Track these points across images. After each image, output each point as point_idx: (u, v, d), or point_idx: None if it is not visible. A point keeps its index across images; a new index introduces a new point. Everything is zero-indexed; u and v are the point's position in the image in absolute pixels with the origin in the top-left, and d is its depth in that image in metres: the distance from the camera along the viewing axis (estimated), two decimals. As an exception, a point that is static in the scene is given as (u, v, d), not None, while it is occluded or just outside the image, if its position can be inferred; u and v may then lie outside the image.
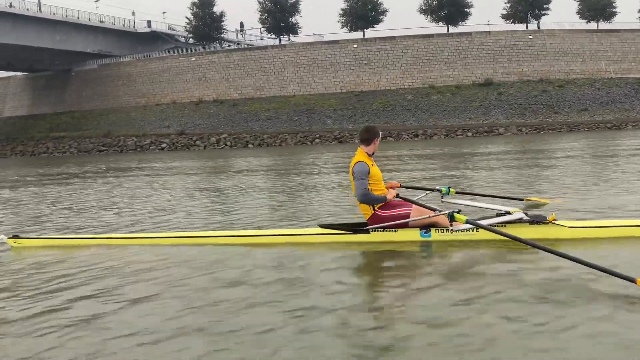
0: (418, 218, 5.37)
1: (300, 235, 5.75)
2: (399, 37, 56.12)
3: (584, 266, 3.90)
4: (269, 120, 52.75)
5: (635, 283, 3.68)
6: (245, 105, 55.49)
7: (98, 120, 59.86)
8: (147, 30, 70.66)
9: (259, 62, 58.36)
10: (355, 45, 56.87)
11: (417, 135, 45.40)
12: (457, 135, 44.07)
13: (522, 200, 7.40)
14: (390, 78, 55.34)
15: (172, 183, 15.02)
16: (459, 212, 5.02)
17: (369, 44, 56.61)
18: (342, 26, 61.14)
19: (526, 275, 4.13)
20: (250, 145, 47.28)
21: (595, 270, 3.87)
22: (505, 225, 5.09)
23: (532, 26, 60.14)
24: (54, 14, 60.75)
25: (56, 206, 10.68)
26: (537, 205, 7.24)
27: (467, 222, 4.89)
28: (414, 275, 4.37)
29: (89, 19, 64.23)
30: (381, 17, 60.38)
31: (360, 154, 5.53)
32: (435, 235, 5.32)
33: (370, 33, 60.23)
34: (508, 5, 60.83)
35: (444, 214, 5.13)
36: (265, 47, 60.11)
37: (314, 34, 69.59)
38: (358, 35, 60.31)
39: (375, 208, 5.47)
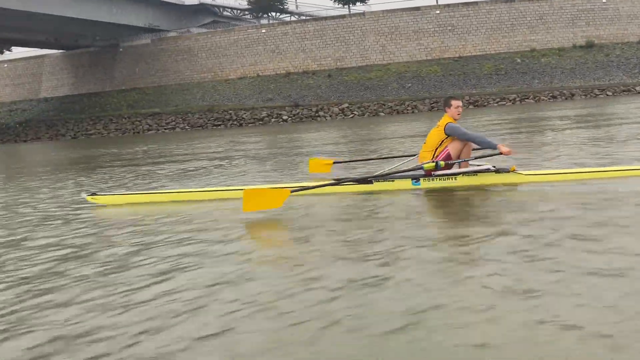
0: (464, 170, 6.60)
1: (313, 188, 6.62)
2: (482, 1, 55.91)
3: None
4: (381, 89, 51.32)
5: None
6: (342, 76, 53.88)
7: (182, 95, 56.65)
8: (195, 2, 67.52)
9: (337, 32, 56.75)
10: (437, 11, 56.21)
11: (554, 97, 45.36)
12: (597, 95, 44.37)
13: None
14: (475, 44, 55.10)
15: None
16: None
17: (452, 10, 56.05)
18: (414, -7, 60.38)
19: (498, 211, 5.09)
20: (381, 114, 45.80)
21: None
22: (476, 174, 6.34)
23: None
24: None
25: None
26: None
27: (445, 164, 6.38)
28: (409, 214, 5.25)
29: (142, -9, 60.77)
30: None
31: (446, 117, 6.63)
32: (423, 183, 6.48)
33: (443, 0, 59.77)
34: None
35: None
36: (343, 16, 58.43)
37: (366, 3, 68.24)
38: (429, 1, 59.73)
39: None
